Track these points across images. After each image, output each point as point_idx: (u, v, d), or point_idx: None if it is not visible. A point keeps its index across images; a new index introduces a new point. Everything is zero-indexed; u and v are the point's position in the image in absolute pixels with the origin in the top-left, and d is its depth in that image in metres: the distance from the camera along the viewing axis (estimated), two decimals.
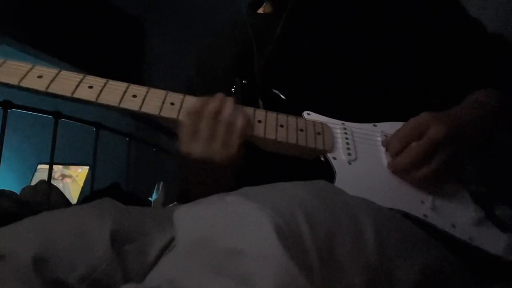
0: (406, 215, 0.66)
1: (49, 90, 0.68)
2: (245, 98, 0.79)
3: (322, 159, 0.72)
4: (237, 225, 0.44)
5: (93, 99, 0.69)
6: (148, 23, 3.38)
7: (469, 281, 0.67)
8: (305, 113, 0.77)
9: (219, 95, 0.71)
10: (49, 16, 2.76)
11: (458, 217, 0.69)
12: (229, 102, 0.70)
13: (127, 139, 2.70)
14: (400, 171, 0.71)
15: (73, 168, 3.00)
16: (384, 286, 0.52)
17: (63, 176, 2.98)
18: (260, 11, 1.00)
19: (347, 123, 0.77)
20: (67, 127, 2.29)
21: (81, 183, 2.94)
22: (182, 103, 0.71)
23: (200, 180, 0.79)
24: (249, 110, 0.73)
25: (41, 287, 0.56)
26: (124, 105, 0.70)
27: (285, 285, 0.39)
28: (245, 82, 0.81)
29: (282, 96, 0.78)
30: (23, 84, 0.67)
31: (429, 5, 0.86)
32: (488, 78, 0.82)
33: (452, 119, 0.72)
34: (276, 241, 0.41)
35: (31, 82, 0.68)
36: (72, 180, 2.97)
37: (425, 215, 0.67)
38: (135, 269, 0.62)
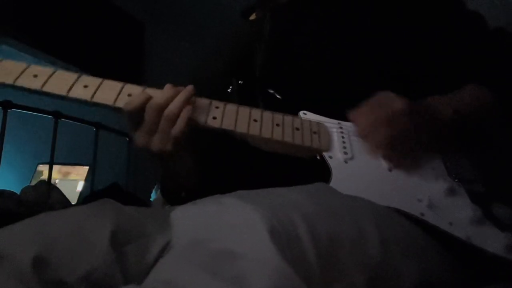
0: (402, 214, 0.66)
1: (44, 89, 0.68)
2: (242, 98, 0.79)
3: (318, 158, 0.72)
4: (231, 226, 0.45)
5: (88, 98, 0.69)
6: (148, 25, 3.38)
7: (467, 281, 0.67)
8: (301, 113, 0.77)
9: (167, 87, 0.71)
10: (49, 16, 2.76)
11: (456, 215, 0.69)
12: (178, 96, 0.69)
13: (127, 139, 2.70)
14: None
15: (72, 168, 3.00)
16: (387, 284, 0.52)
17: (63, 176, 2.98)
18: (253, 17, 1.00)
19: (344, 123, 0.77)
20: (67, 127, 2.30)
21: (80, 183, 2.94)
22: None
23: (160, 165, 0.79)
24: (245, 110, 0.73)
25: (41, 287, 0.56)
26: (119, 103, 0.70)
27: (278, 286, 0.39)
28: (241, 82, 0.81)
29: (278, 96, 0.78)
30: (18, 83, 0.67)
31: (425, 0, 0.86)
32: (483, 77, 0.82)
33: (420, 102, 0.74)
34: (269, 242, 0.41)
35: (26, 81, 0.68)
36: (71, 180, 2.97)
37: (422, 213, 0.67)
38: (135, 270, 0.62)
